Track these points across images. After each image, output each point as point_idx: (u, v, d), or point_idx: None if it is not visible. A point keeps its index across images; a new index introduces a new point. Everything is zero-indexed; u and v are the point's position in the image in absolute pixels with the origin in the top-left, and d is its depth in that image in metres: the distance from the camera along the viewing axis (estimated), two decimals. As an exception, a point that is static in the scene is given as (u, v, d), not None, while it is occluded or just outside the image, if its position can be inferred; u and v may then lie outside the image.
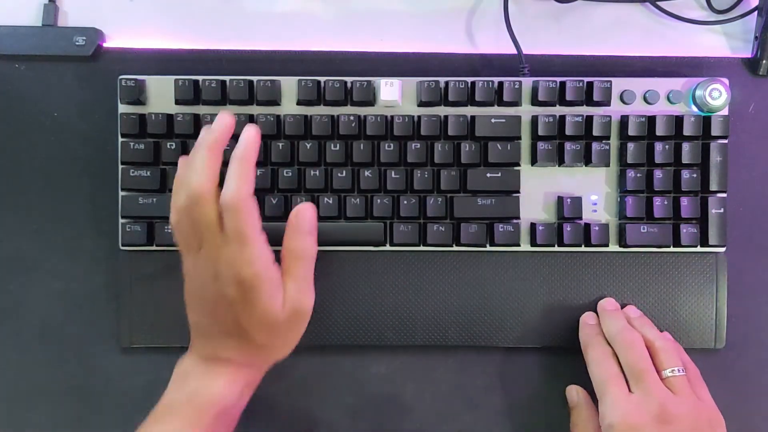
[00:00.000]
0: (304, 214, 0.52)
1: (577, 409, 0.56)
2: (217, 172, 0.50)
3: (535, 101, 0.59)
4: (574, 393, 0.57)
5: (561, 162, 0.58)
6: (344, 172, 0.58)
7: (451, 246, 0.58)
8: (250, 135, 0.51)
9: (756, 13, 0.62)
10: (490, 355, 0.60)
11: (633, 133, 0.58)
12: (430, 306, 0.59)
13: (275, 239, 0.58)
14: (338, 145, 0.58)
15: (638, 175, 0.58)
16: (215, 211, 0.49)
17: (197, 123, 0.58)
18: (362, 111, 0.58)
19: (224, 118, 0.51)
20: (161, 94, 0.58)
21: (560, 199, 0.58)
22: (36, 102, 0.61)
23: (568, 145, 0.58)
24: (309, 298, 0.53)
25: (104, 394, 0.60)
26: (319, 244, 0.58)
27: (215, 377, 0.52)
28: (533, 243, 0.58)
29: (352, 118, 0.58)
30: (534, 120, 0.59)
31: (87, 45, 0.61)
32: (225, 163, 0.51)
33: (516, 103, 0.58)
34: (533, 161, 0.59)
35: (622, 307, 0.58)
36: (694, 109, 0.59)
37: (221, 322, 0.51)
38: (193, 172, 0.49)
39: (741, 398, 0.60)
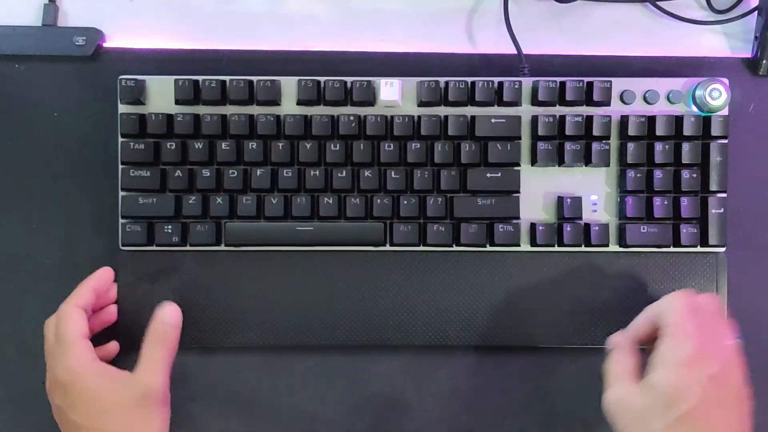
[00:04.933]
0: (168, 308, 0.56)
1: (617, 350, 0.53)
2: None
3: (535, 101, 0.59)
4: (617, 336, 0.54)
5: (561, 162, 0.58)
6: (344, 172, 0.58)
7: (451, 246, 0.58)
8: (101, 272, 0.58)
9: (756, 13, 0.62)
10: (490, 355, 0.60)
11: (633, 133, 0.58)
12: (430, 306, 0.59)
13: (275, 239, 0.58)
14: (338, 145, 0.58)
15: (638, 175, 0.58)
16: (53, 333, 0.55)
17: (197, 123, 0.58)
18: (362, 111, 0.58)
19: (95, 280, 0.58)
20: (161, 94, 0.58)
21: (560, 199, 0.58)
22: (36, 102, 0.61)
23: (568, 145, 0.58)
24: (156, 377, 0.54)
25: (104, 394, 0.60)
26: (320, 244, 0.58)
27: None
28: (533, 243, 0.58)
29: (352, 118, 0.58)
30: (534, 120, 0.59)
31: (87, 45, 0.61)
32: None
33: (516, 103, 0.58)
34: (533, 161, 0.59)
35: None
36: (694, 109, 0.59)
37: None
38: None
39: (741, 398, 0.60)
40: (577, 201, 0.58)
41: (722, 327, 0.52)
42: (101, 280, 0.58)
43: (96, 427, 0.52)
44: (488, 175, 0.58)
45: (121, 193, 0.58)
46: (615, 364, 0.53)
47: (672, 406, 0.47)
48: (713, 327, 0.51)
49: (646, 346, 0.53)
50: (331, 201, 0.58)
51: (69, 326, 0.54)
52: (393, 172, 0.58)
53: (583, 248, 0.59)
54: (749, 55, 0.62)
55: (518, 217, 0.58)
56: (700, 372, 0.48)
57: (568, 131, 0.58)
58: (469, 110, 0.59)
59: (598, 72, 0.60)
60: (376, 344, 0.59)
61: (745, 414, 0.50)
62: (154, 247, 0.58)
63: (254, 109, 0.58)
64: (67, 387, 0.53)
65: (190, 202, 0.58)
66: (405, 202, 0.58)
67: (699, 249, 0.59)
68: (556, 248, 0.59)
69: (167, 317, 0.56)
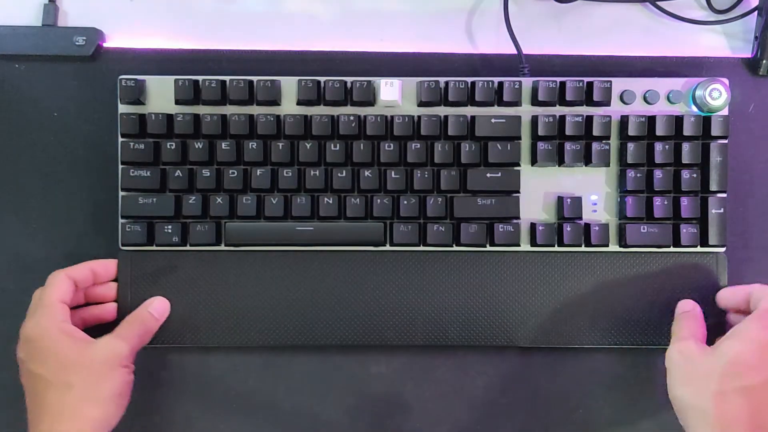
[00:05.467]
0: (157, 301, 0.58)
1: (692, 312, 0.56)
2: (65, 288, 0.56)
3: (535, 101, 0.59)
4: (691, 303, 0.57)
5: (561, 162, 0.58)
6: (344, 172, 0.58)
7: (451, 246, 0.58)
8: (106, 260, 0.59)
9: (756, 13, 0.62)
10: (490, 355, 0.60)
11: (633, 133, 0.58)
12: (430, 306, 0.59)
13: (275, 239, 0.58)
14: (338, 145, 0.58)
15: (638, 175, 0.58)
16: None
17: (197, 123, 0.58)
18: (362, 111, 0.58)
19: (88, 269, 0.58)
20: (161, 94, 0.58)
21: (560, 199, 0.58)
22: (36, 102, 0.61)
23: (568, 145, 0.58)
24: (123, 344, 0.55)
25: (104, 394, 0.60)
26: (320, 244, 0.58)
27: None
28: (533, 243, 0.58)
29: (352, 118, 0.58)
30: (534, 120, 0.59)
31: (87, 45, 0.61)
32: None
33: (516, 103, 0.58)
34: (533, 161, 0.59)
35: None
36: (694, 109, 0.59)
37: (32, 392, 0.53)
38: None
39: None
40: (577, 201, 0.58)
41: None
42: (103, 265, 0.58)
43: (52, 377, 0.52)
44: (488, 175, 0.58)
45: (121, 193, 0.58)
46: (688, 324, 0.55)
47: (735, 375, 0.49)
48: None
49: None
50: (331, 201, 0.58)
51: (50, 290, 0.55)
52: (393, 172, 0.58)
53: (583, 248, 0.59)
54: (749, 55, 0.62)
55: (518, 217, 0.58)
56: None
57: (568, 131, 0.58)
58: (469, 110, 0.59)
59: (598, 72, 0.60)
60: (376, 344, 0.59)
61: None
62: (154, 247, 0.58)
63: (254, 109, 0.58)
64: (31, 341, 0.53)
65: (190, 202, 0.58)
66: (405, 202, 0.58)
67: (699, 249, 0.59)
68: (556, 248, 0.59)
69: (152, 307, 0.57)
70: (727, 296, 0.57)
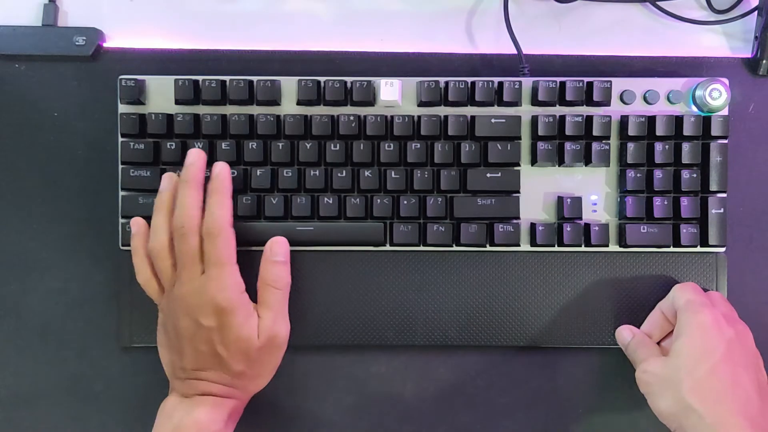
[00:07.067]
0: (278, 244, 0.56)
1: (635, 340, 0.57)
2: (200, 205, 0.54)
3: (535, 101, 0.59)
4: (627, 331, 0.58)
5: (561, 162, 0.58)
6: (344, 172, 0.58)
7: (451, 246, 0.58)
8: (222, 170, 0.55)
9: (756, 13, 0.62)
10: (490, 355, 0.60)
11: (633, 133, 0.58)
12: (430, 306, 0.59)
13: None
14: (338, 145, 0.58)
15: (638, 175, 0.58)
16: (198, 241, 0.53)
17: (197, 123, 0.58)
18: (362, 111, 0.58)
19: (193, 154, 0.55)
20: (161, 94, 0.58)
21: (560, 199, 0.58)
22: (36, 102, 0.61)
23: (568, 145, 0.58)
24: (284, 327, 0.55)
25: (104, 394, 0.60)
26: (320, 244, 0.58)
27: (197, 406, 0.53)
28: (533, 243, 0.58)
29: (352, 118, 0.58)
30: (534, 120, 0.59)
31: (87, 45, 0.61)
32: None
33: (516, 103, 0.58)
34: (533, 161, 0.59)
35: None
36: (694, 109, 0.59)
37: (198, 355, 0.53)
38: (181, 208, 0.53)
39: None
40: (577, 201, 0.58)
41: (730, 307, 0.56)
42: (229, 180, 0.55)
43: (231, 361, 0.53)
44: (488, 175, 0.58)
45: (121, 193, 0.58)
46: (639, 350, 0.56)
47: (697, 365, 0.51)
48: (723, 305, 0.55)
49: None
50: (331, 201, 0.58)
51: (229, 249, 0.53)
52: (393, 172, 0.58)
53: (583, 248, 0.59)
54: (749, 55, 0.62)
55: (518, 217, 0.58)
56: (720, 335, 0.52)
57: (568, 131, 0.58)
58: (469, 110, 0.59)
59: (598, 72, 0.60)
60: (376, 344, 0.59)
61: (762, 373, 0.53)
62: (154, 247, 0.58)
63: (254, 109, 0.58)
64: (222, 313, 0.52)
65: (190, 202, 0.58)
66: (405, 202, 0.58)
67: (699, 249, 0.59)
68: (556, 248, 0.59)
69: (277, 255, 0.56)
70: (648, 329, 0.58)
